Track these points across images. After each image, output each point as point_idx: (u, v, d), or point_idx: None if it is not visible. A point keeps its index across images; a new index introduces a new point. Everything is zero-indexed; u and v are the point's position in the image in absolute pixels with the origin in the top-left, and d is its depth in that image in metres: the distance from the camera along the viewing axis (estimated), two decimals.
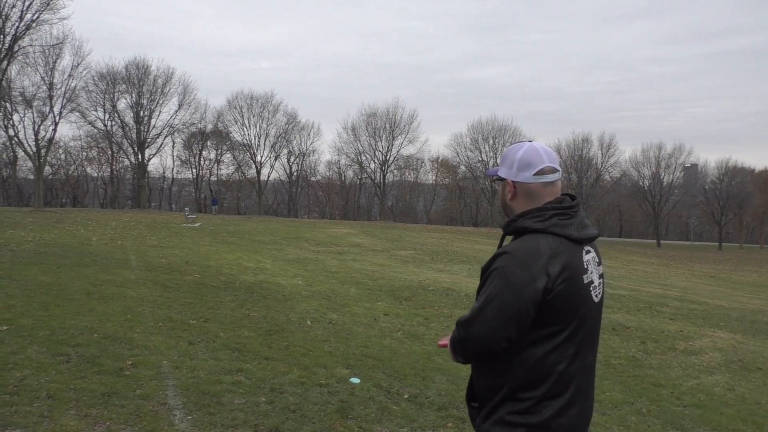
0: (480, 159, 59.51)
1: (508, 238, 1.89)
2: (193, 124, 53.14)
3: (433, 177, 68.45)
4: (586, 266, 1.79)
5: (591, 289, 1.80)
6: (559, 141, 61.30)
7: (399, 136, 57.78)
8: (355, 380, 5.06)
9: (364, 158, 59.25)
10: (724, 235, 61.29)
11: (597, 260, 1.88)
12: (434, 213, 69.57)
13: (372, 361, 5.79)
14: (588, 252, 1.83)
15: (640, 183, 61.33)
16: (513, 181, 1.87)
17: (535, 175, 1.83)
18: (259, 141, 55.63)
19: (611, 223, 73.75)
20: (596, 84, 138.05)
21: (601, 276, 1.88)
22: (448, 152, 63.73)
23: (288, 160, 60.09)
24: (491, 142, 58.69)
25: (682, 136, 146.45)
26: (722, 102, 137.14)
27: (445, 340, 2.01)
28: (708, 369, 6.55)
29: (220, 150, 58.89)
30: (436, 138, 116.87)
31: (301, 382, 4.88)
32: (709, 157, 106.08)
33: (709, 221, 66.26)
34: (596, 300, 1.83)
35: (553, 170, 1.84)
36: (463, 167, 62.82)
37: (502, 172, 1.92)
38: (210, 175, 60.64)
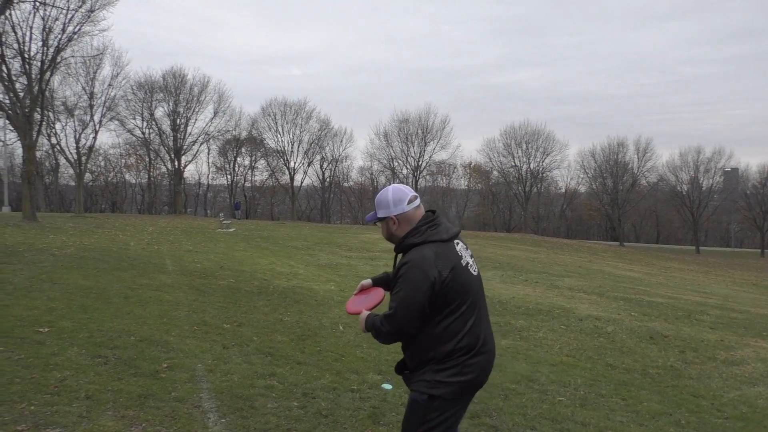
0: (513, 164, 59.08)
1: (400, 256, 2.55)
2: (228, 131, 54.01)
3: (466, 182, 68.27)
4: (460, 254, 2.50)
5: (468, 267, 2.51)
6: (593, 145, 60.81)
7: (431, 142, 57.71)
8: (388, 386, 5.03)
9: (396, 164, 59.34)
10: (767, 242, 59.36)
11: (465, 246, 2.60)
12: (467, 219, 69.16)
13: None
14: (457, 243, 2.53)
15: (678, 188, 59.95)
16: (395, 215, 2.54)
17: (407, 204, 2.53)
18: (292, 147, 56.26)
19: (648, 229, 72.19)
20: (630, 87, 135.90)
21: (471, 256, 2.61)
22: (480, 157, 63.45)
23: (321, 166, 60.58)
24: (524, 146, 58.20)
25: (721, 139, 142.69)
26: (763, 104, 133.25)
27: (354, 308, 2.80)
28: (750, 380, 6.33)
29: (254, 156, 59.73)
30: (468, 143, 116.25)
31: (333, 388, 4.88)
32: (750, 160, 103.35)
33: (751, 227, 64.23)
34: (474, 274, 2.55)
35: (415, 198, 2.56)
36: (495, 172, 62.50)
37: (382, 213, 2.58)
38: (244, 182, 61.57)
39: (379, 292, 2.89)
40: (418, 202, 2.56)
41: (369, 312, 2.65)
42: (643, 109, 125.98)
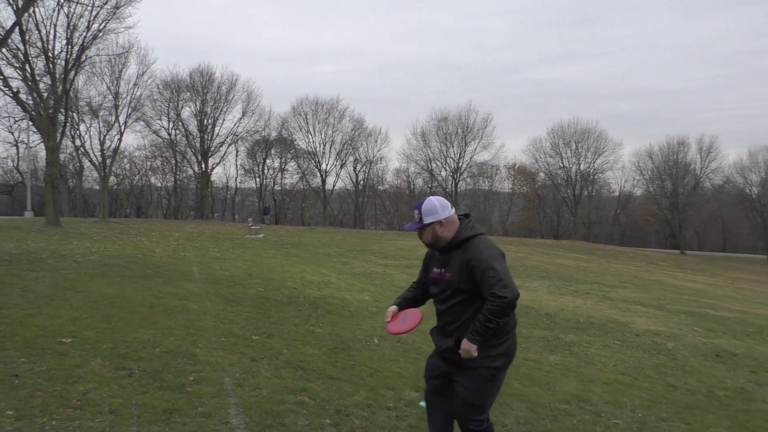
0: (561, 165, 58.28)
1: (456, 252, 3.38)
2: (257, 131, 54.63)
3: (510, 185, 67.48)
4: None
5: None
6: (650, 145, 59.49)
7: (472, 142, 57.33)
8: (425, 404, 5.00)
9: (434, 165, 59.12)
10: None
11: None
12: (511, 224, 68.52)
13: None
14: None
15: (747, 191, 58.22)
16: (443, 218, 3.35)
17: (450, 209, 3.39)
18: (324, 148, 56.59)
19: (713, 236, 70.23)
20: (692, 81, 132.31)
21: None
22: (525, 158, 62.77)
23: (354, 168, 60.85)
24: (574, 146, 57.41)
25: None
26: None
27: (398, 328, 3.57)
28: None
29: (284, 158, 60.29)
30: (512, 143, 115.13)
31: (368, 405, 4.88)
32: None
33: None
34: None
35: (452, 206, 3.43)
36: (542, 174, 61.71)
37: (430, 219, 3.35)
38: (273, 185, 62.19)
39: (415, 312, 3.53)
40: (454, 209, 3.43)
41: (465, 338, 3.25)
42: (707, 104, 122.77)
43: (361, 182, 62.25)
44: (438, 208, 3.34)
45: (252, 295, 10.20)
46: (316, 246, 24.29)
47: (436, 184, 60.62)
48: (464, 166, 58.33)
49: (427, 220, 3.33)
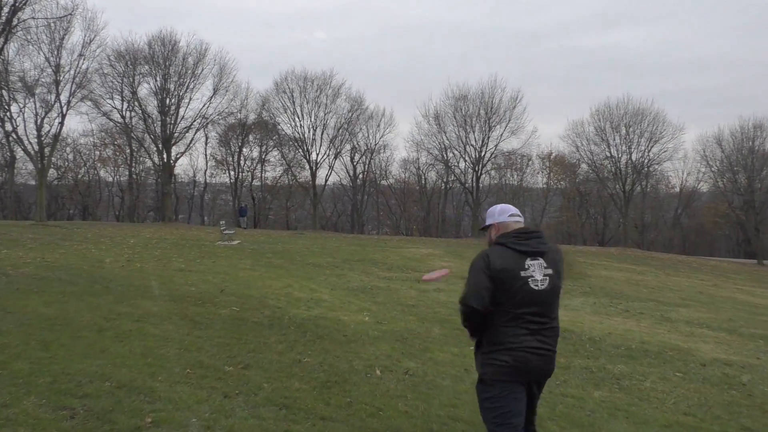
0: (608, 155, 58.06)
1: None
2: (232, 113, 54.44)
3: (544, 179, 67.53)
4: (526, 266, 3.94)
5: (529, 281, 3.92)
6: (719, 129, 59.28)
7: (497, 126, 57.18)
8: None
9: (451, 155, 59.12)
10: None
11: (544, 264, 3.99)
12: (546, 227, 68.39)
13: (463, 426, 5.72)
14: (535, 259, 3.98)
15: None
16: (497, 223, 4.21)
17: (508, 216, 4.21)
18: (314, 134, 56.59)
19: None
20: None
21: (545, 275, 3.97)
22: (564, 146, 62.68)
23: (352, 159, 60.96)
24: (623, 131, 57.25)
25: None
26: None
27: (430, 276, 5.25)
28: None
29: (265, 147, 60.48)
30: (546, 127, 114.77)
31: None
32: None
33: None
34: (536, 288, 3.93)
35: (517, 214, 4.22)
36: (584, 166, 61.53)
37: (489, 221, 4.26)
38: (252, 179, 62.21)
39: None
40: (519, 218, 4.21)
41: None
42: None
43: (360, 176, 62.34)
44: (497, 212, 4.27)
45: (225, 316, 10.18)
46: (304, 255, 24.27)
47: (453, 178, 60.64)
48: (488, 155, 58.29)
49: (487, 221, 4.29)
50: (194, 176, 63.59)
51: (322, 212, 63.02)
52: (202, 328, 9.05)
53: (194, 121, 51.65)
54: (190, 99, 51.43)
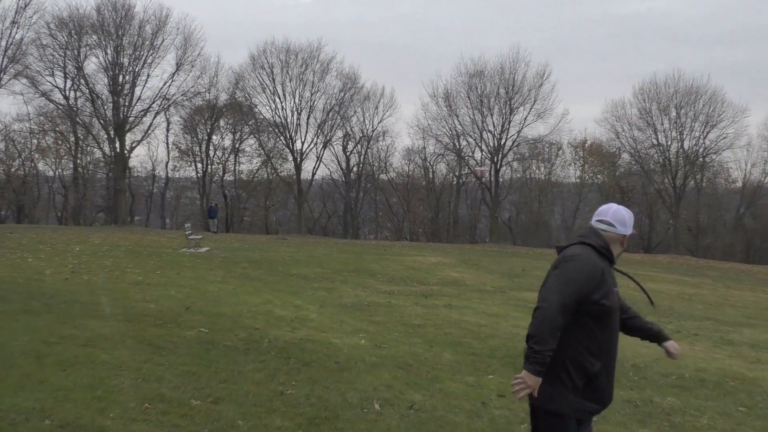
0: (655, 142, 58.06)
1: None
2: (199, 93, 54.55)
3: (578, 172, 67.43)
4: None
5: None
6: None
7: (520, 108, 57.31)
8: None
9: (464, 143, 59.30)
10: None
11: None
12: (580, 230, 68.22)
13: None
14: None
15: None
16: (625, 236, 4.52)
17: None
18: (299, 119, 56.88)
19: None
20: None
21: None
22: (601, 132, 62.83)
23: (344, 148, 61.20)
24: (674, 114, 57.27)
25: None
26: None
27: None
28: None
29: (239, 134, 60.56)
30: (580, 110, 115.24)
31: None
32: None
33: None
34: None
35: None
36: (626, 156, 61.62)
37: (622, 230, 4.48)
38: (224, 173, 62.25)
39: None
40: None
41: None
42: None
43: (355, 169, 62.53)
44: (626, 220, 4.47)
45: (191, 339, 10.16)
46: (287, 264, 24.25)
47: (467, 171, 60.48)
48: (509, 143, 58.34)
49: (619, 229, 4.44)
50: (153, 170, 63.75)
51: (309, 213, 63.03)
52: (164, 354, 9.01)
53: (153, 102, 51.83)
54: (148, 76, 51.50)
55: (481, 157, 58.57)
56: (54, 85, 49.88)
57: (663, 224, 63.53)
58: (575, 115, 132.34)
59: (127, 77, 50.66)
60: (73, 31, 49.45)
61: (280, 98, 56.33)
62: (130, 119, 50.79)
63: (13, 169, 59.77)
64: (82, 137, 54.83)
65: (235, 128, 60.21)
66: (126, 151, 51.07)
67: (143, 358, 8.65)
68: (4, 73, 39.77)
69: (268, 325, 12.08)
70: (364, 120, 59.97)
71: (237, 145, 61.08)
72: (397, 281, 21.40)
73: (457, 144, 59.18)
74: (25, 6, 39.43)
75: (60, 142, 58.32)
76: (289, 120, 56.55)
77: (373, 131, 60.71)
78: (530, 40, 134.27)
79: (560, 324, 3.98)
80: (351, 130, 59.92)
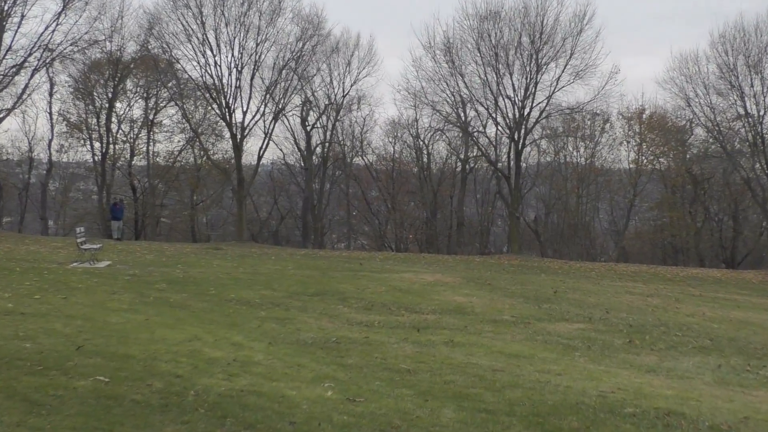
0: (741, 112, 58.07)
1: None
2: (96, 42, 54.49)
3: (632, 154, 67.46)
4: None
5: None
6: None
7: (551, 64, 57.14)
8: None
9: (472, 114, 59.40)
10: None
11: None
12: (635, 236, 68.68)
13: None
14: None
15: None
16: None
17: None
18: (239, 79, 56.88)
19: None
20: None
21: None
22: (665, 98, 63.28)
23: (304, 121, 61.09)
24: (765, 69, 57.38)
25: None
26: None
27: None
28: None
29: (153, 100, 60.55)
30: (636, 67, 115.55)
31: None
32: None
33: None
34: None
35: None
36: (700, 131, 61.76)
37: None
38: (132, 156, 62.05)
39: None
40: None
41: None
42: None
43: (318, 149, 62.54)
44: None
45: (84, 392, 10.13)
46: (222, 285, 24.26)
47: (476, 153, 60.40)
48: (535, 114, 58.14)
49: None
50: (30, 151, 63.29)
51: (254, 212, 63.19)
52: (43, 414, 8.98)
53: (30, 55, 51.53)
54: (23, 17, 50.94)
55: (497, 134, 58.67)
56: None
57: (753, 228, 63.80)
58: (629, 74, 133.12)
59: None
60: None
61: (212, 50, 56.35)
62: None
63: None
64: None
65: (149, 92, 60.31)
66: None
67: (15, 420, 8.61)
68: None
69: (195, 370, 12.05)
70: (331, 81, 60.32)
71: (151, 117, 61.23)
72: (378, 308, 21.37)
73: (462, 115, 59.20)
74: None
75: None
76: (225, 81, 56.60)
77: (344, 97, 61.12)
78: None
79: None
80: (313, 95, 60.21)
